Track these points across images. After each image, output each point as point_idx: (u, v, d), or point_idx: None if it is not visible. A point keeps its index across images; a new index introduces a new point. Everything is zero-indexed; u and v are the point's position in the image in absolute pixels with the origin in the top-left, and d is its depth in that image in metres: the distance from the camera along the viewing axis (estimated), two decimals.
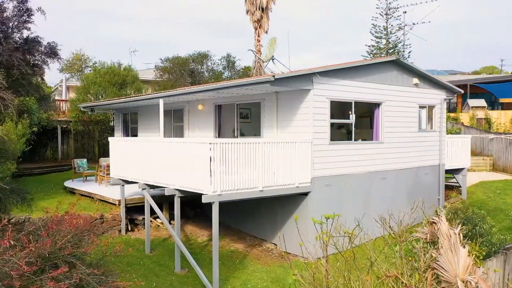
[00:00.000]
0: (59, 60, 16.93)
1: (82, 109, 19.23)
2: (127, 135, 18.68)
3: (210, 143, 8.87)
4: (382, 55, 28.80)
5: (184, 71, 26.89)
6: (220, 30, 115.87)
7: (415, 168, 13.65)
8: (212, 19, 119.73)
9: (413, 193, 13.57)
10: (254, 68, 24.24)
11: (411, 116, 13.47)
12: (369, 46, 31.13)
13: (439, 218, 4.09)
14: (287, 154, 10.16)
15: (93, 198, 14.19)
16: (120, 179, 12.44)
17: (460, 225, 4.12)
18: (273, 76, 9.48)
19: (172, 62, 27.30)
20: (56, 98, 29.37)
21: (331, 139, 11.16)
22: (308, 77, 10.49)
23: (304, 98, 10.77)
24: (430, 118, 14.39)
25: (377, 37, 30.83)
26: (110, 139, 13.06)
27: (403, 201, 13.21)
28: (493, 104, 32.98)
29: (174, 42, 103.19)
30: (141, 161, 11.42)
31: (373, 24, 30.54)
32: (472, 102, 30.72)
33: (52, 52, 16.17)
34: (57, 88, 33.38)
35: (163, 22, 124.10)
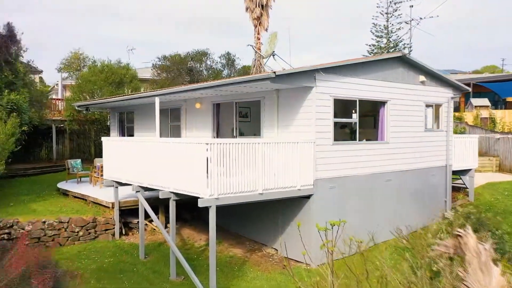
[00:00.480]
0: (19, 44, 15.50)
1: (76, 108, 18.69)
2: (123, 135, 18.14)
3: (207, 144, 8.33)
4: None
5: (182, 69, 26.33)
6: (220, 30, 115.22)
7: (421, 169, 13.10)
8: (212, 19, 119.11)
9: (419, 195, 13.05)
10: (254, 67, 23.69)
11: (417, 115, 12.92)
12: (369, 46, 30.91)
13: (465, 230, 3.55)
14: (288, 155, 9.61)
15: (86, 200, 13.65)
16: (114, 181, 11.91)
17: (490, 240, 3.59)
18: (274, 72, 8.95)
19: (170, 60, 26.74)
20: (54, 97, 28.84)
21: (335, 139, 10.63)
22: (310, 73, 9.95)
23: (306, 96, 10.23)
24: (436, 117, 13.84)
25: (377, 36, 30.63)
26: (103, 138, 12.52)
27: (409, 204, 12.71)
28: (496, 104, 32.47)
29: (174, 42, 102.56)
30: (135, 162, 10.89)
31: (373, 23, 30.38)
32: (475, 101, 30.21)
33: (11, 34, 14.84)
34: (54, 87, 32.87)
35: (163, 22, 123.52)
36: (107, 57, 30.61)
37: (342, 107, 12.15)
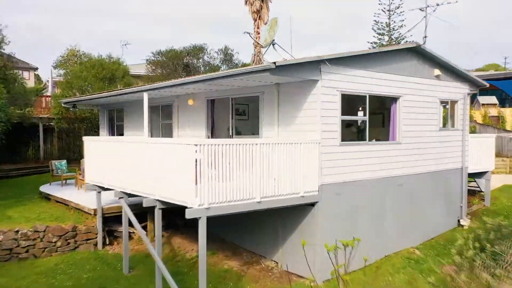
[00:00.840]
0: None
1: (63, 105, 17.51)
2: (113, 134, 16.96)
3: (196, 144, 7.15)
4: None
5: (178, 65, 25.16)
6: (219, 29, 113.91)
7: (436, 172, 11.93)
8: (211, 18, 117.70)
9: (433, 200, 11.91)
10: (253, 62, 22.57)
11: (431, 113, 11.75)
12: (371, 43, 30.46)
13: None
14: (290, 157, 8.43)
15: (68, 205, 12.47)
16: (96, 185, 10.74)
17: None
18: (274, 63, 7.75)
19: (165, 55, 25.55)
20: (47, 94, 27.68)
21: (342, 139, 9.45)
22: (315, 65, 8.76)
23: (310, 91, 9.04)
24: (452, 115, 12.67)
25: (379, 34, 30.25)
26: (84, 138, 11.34)
27: (423, 210, 11.58)
28: (503, 101, 31.44)
29: (173, 41, 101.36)
30: (117, 164, 9.72)
31: (375, 21, 30.10)
32: (482, 99, 29.18)
33: None
34: (46, 83, 31.72)
35: (162, 21, 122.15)
36: (98, 52, 29.33)
37: (350, 103, 10.98)
